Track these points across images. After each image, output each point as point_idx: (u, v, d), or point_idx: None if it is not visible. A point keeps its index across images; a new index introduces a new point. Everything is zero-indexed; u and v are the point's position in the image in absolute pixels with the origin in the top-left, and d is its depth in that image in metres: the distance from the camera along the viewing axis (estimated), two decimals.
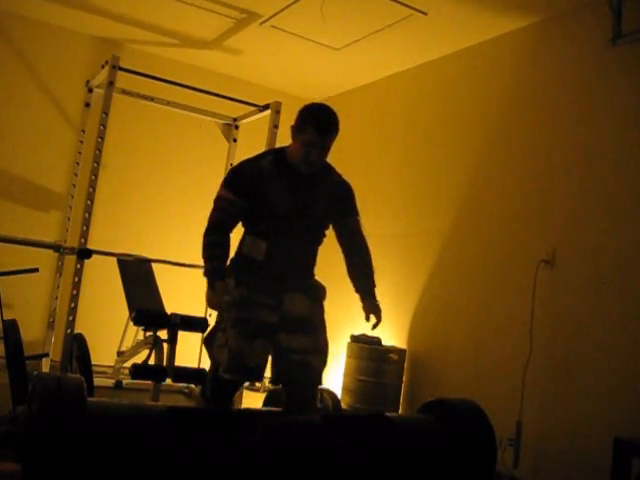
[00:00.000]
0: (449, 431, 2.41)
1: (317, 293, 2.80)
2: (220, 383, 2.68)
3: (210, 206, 2.60)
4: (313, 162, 2.66)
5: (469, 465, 2.36)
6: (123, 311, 4.24)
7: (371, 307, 2.77)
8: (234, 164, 5.24)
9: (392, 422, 2.50)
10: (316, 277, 2.85)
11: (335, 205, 2.78)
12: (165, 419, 2.12)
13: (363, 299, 2.80)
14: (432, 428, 2.45)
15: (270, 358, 2.73)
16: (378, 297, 2.80)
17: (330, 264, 2.98)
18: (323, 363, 2.73)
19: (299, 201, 2.70)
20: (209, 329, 2.92)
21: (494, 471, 2.46)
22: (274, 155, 2.77)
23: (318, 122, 2.61)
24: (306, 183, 2.71)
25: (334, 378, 4.82)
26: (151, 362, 3.97)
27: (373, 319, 2.77)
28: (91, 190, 4.12)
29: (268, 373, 2.75)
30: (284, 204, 2.67)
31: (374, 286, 2.82)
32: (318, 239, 2.81)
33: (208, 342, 2.83)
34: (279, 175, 2.68)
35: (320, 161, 2.70)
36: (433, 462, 2.39)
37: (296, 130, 2.66)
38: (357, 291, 2.83)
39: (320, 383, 2.76)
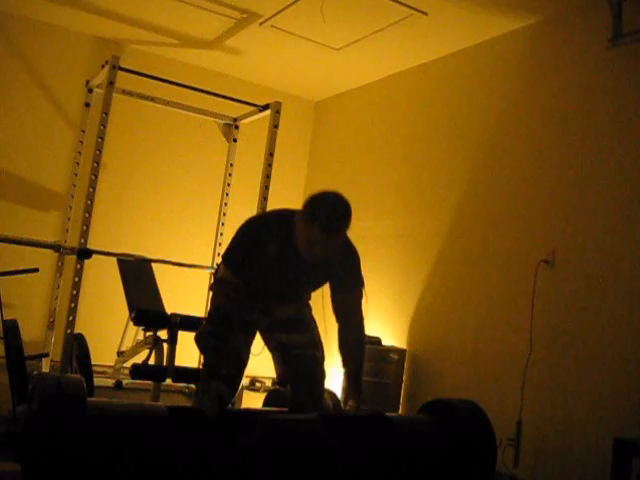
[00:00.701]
0: (449, 431, 2.41)
1: (302, 297, 2.85)
2: None
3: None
4: (316, 258, 2.49)
5: (469, 465, 2.36)
6: (123, 311, 4.24)
7: (352, 394, 2.65)
8: (234, 163, 5.26)
9: (392, 422, 2.50)
10: None
11: (336, 280, 2.65)
12: (165, 419, 2.12)
13: (347, 381, 2.68)
14: (432, 428, 2.45)
15: (275, 358, 2.77)
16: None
17: None
18: (323, 357, 2.78)
19: (294, 280, 2.64)
20: (200, 328, 2.91)
21: (494, 471, 2.46)
22: (285, 234, 2.53)
23: (326, 223, 2.40)
24: (307, 264, 2.56)
25: (334, 378, 4.82)
26: (151, 362, 3.97)
27: (351, 404, 2.65)
28: (91, 190, 4.12)
29: (262, 372, 2.78)
30: (277, 283, 2.64)
31: (361, 369, 2.69)
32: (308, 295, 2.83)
33: (199, 340, 2.83)
34: (283, 257, 2.54)
35: (323, 256, 2.51)
36: (433, 462, 2.39)
37: (303, 221, 2.45)
38: (343, 367, 2.71)
39: (325, 376, 2.78)
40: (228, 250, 2.63)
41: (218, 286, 2.63)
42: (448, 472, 2.37)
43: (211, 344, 2.54)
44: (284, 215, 2.59)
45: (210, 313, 2.67)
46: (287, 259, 2.54)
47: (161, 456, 2.02)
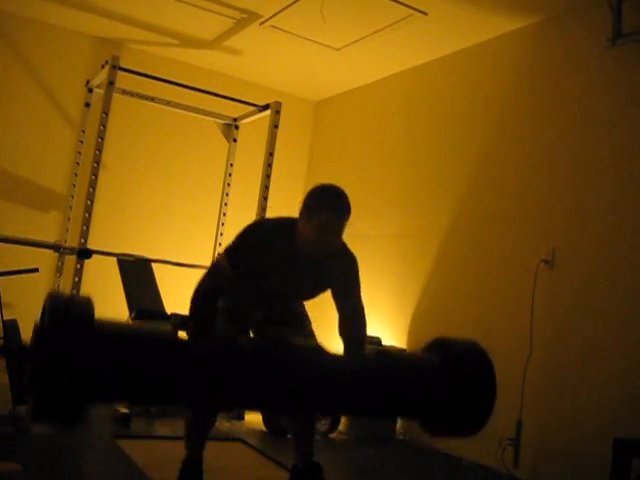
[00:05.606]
0: (450, 365, 2.40)
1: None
2: None
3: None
4: (329, 247, 2.51)
5: (468, 398, 2.34)
6: (123, 311, 4.24)
7: None
8: (234, 163, 5.26)
9: (393, 356, 2.45)
10: None
11: (334, 286, 2.63)
12: (173, 339, 2.06)
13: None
14: (433, 362, 2.44)
15: None
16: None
17: None
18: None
19: (293, 284, 2.61)
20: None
21: (493, 405, 2.43)
22: (289, 237, 2.53)
23: (334, 206, 2.45)
24: (308, 266, 2.57)
25: None
26: None
27: None
28: (91, 190, 4.12)
29: None
30: (276, 288, 2.62)
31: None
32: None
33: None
34: (286, 259, 2.52)
35: (335, 246, 2.54)
36: (433, 392, 2.36)
37: (308, 213, 2.47)
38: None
39: None
40: (230, 248, 2.60)
41: (211, 268, 2.58)
42: (448, 402, 2.34)
43: (198, 321, 2.49)
44: (286, 223, 2.58)
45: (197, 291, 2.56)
46: (288, 266, 2.53)
47: (167, 365, 1.95)
